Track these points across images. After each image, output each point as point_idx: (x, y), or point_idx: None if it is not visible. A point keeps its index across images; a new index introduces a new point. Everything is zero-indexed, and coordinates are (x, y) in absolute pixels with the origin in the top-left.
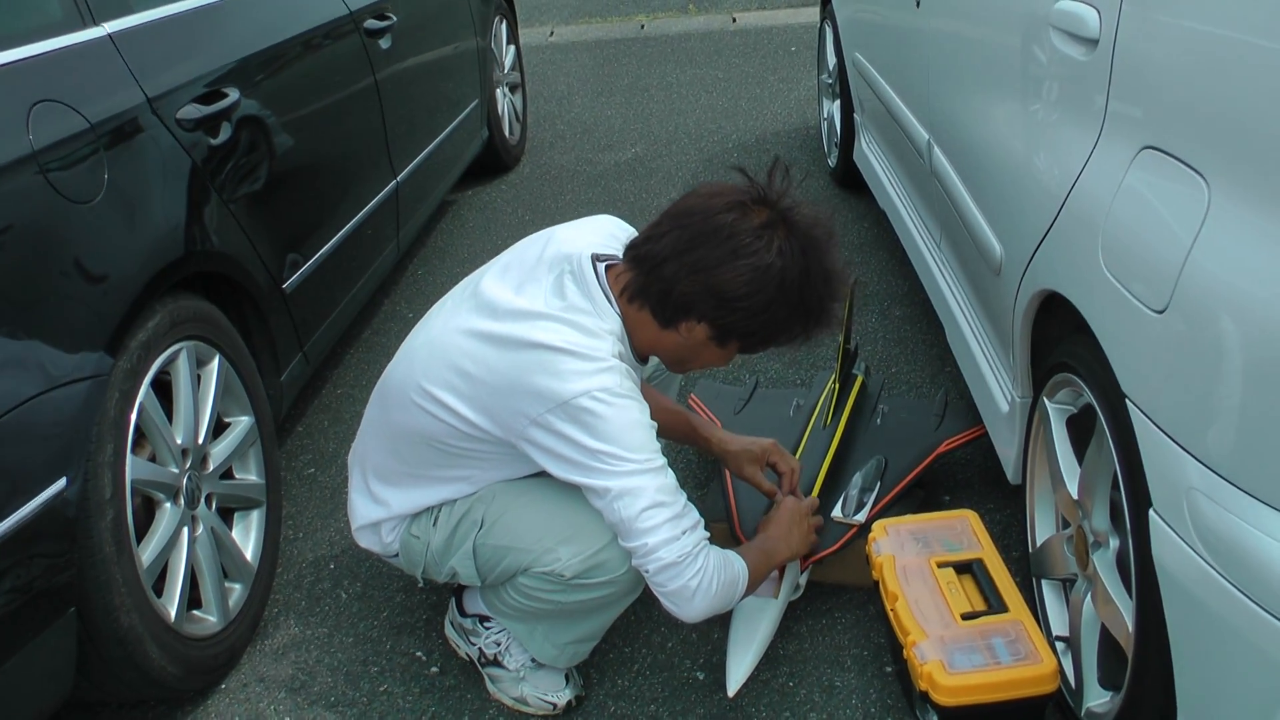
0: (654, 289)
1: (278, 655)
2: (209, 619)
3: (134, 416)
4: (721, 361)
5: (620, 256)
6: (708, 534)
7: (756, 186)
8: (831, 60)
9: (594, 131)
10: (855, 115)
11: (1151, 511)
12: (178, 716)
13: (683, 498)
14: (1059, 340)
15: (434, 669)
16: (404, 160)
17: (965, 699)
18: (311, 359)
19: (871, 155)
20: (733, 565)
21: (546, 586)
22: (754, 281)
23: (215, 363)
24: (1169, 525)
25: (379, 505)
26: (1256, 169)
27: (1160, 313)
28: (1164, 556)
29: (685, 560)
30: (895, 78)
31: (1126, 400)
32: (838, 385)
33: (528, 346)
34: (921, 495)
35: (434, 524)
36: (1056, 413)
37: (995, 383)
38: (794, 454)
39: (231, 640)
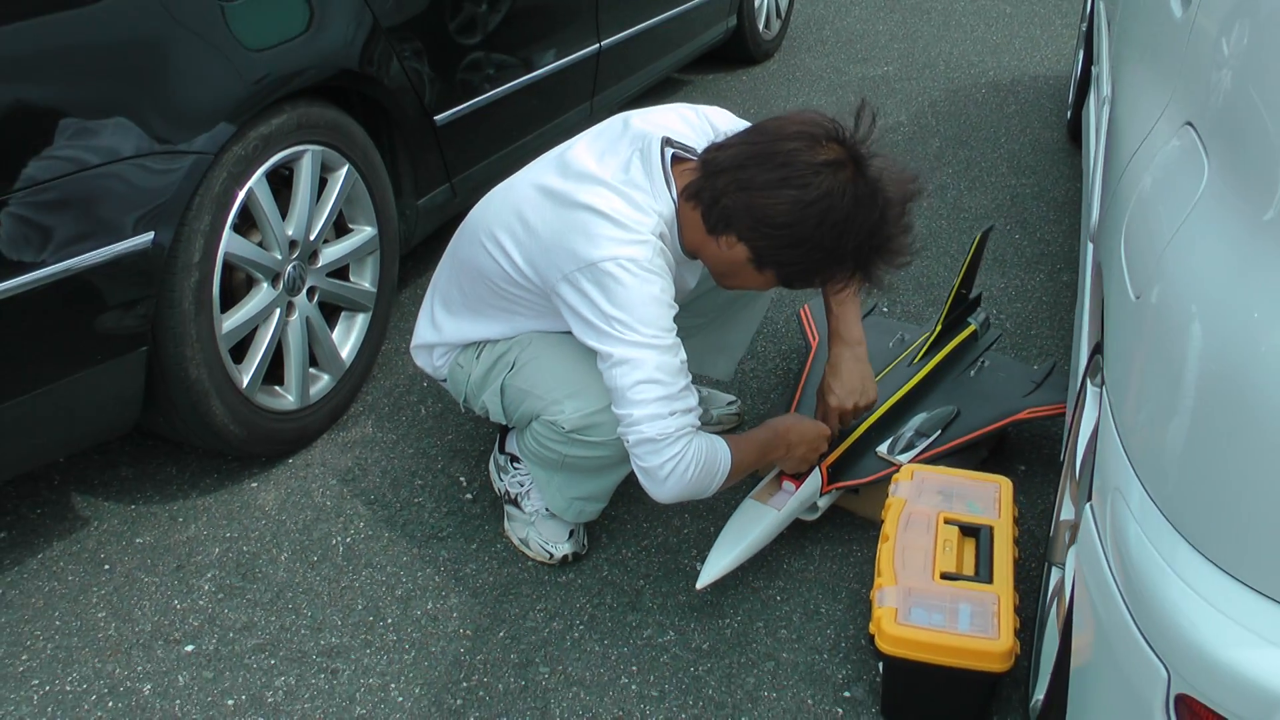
0: (706, 194)
1: (344, 448)
2: (287, 397)
3: (240, 195)
4: (761, 286)
5: (696, 147)
6: (698, 423)
7: (837, 125)
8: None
9: (855, 43)
10: (1092, 68)
11: (1087, 505)
12: (242, 474)
13: (684, 381)
14: None
15: (469, 496)
16: (612, 28)
17: (905, 652)
18: (460, 193)
19: (1092, 111)
20: (716, 456)
21: (551, 435)
22: (792, 213)
23: (343, 171)
24: (1095, 525)
25: (435, 329)
26: (1247, 149)
27: (1136, 299)
28: (1083, 552)
29: (665, 441)
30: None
31: (1103, 388)
32: (940, 329)
33: (577, 207)
34: (984, 455)
35: (477, 358)
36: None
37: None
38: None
39: (305, 422)
